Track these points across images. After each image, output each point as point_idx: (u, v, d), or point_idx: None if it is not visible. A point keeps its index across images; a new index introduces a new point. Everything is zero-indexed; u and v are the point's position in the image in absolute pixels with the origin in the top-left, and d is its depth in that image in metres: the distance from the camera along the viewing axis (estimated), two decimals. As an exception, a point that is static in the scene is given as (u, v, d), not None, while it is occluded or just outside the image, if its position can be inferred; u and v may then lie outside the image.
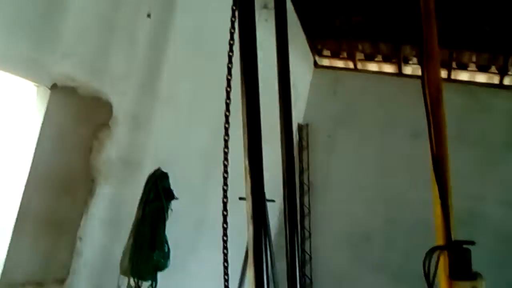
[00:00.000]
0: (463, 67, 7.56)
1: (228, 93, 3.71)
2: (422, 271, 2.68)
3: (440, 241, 2.63)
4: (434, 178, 2.77)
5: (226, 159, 3.90)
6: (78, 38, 3.50)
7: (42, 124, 3.42)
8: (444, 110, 2.83)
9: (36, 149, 3.41)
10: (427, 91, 2.80)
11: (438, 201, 2.68)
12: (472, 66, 7.53)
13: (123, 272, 4.36)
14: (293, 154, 4.43)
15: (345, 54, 8.36)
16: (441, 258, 2.55)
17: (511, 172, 7.16)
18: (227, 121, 3.83)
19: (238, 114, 3.15)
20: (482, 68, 7.44)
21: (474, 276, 2.45)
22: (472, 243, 2.48)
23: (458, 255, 2.51)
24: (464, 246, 2.52)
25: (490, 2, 6.14)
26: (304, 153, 8.36)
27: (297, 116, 8.20)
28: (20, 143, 3.49)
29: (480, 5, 6.25)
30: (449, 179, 2.85)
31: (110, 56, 3.84)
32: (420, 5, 2.98)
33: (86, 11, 3.52)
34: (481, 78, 7.63)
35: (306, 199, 8.23)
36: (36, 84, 3.41)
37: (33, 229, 3.61)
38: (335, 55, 8.48)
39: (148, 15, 4.16)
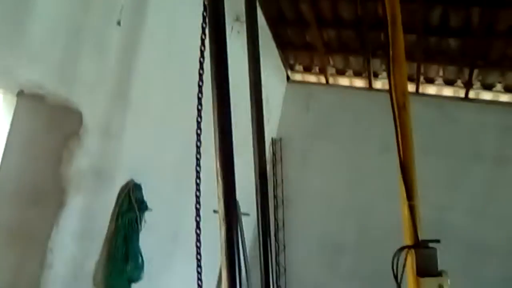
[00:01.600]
0: (431, 81, 7.78)
1: (199, 99, 3.75)
2: (392, 276, 2.74)
3: (408, 241, 2.70)
4: (401, 180, 2.85)
5: (198, 165, 3.92)
6: (46, 43, 3.41)
7: (9, 132, 3.36)
8: (409, 113, 2.92)
9: (2, 158, 3.35)
10: (394, 97, 2.90)
11: (405, 202, 2.76)
12: (439, 80, 7.76)
13: (96, 285, 4.30)
14: (265, 169, 4.49)
15: (317, 69, 8.51)
16: (409, 257, 2.62)
17: (477, 182, 7.38)
18: (199, 127, 3.87)
19: (210, 126, 3.18)
20: (449, 82, 7.67)
21: (440, 274, 2.53)
22: (437, 241, 2.56)
23: (425, 253, 2.58)
24: (430, 245, 2.60)
25: (456, 16, 6.34)
26: (278, 167, 8.43)
27: (271, 131, 8.27)
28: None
29: (446, 19, 6.46)
30: (415, 181, 2.94)
31: (80, 64, 3.79)
32: (386, 13, 3.08)
33: (55, 16, 3.43)
34: (448, 91, 7.86)
35: (280, 212, 8.27)
36: (2, 90, 3.35)
37: (0, 241, 3.54)
38: (307, 69, 8.63)
39: (118, 23, 4.15)
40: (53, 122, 3.63)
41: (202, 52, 3.79)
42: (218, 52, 3.10)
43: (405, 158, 2.86)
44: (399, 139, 2.87)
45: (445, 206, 7.22)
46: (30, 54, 3.30)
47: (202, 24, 3.69)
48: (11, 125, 3.38)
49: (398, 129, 2.87)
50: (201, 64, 3.81)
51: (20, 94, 3.31)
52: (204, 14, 3.43)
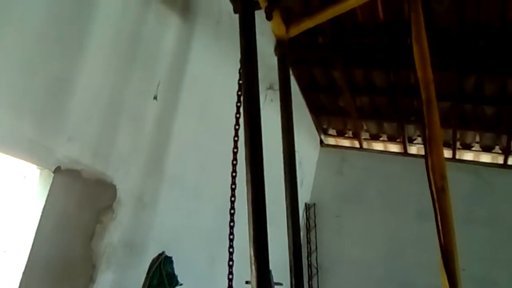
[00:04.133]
0: (468, 147, 7.60)
1: (234, 166, 3.76)
2: None
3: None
4: (442, 266, 2.71)
5: (231, 233, 3.87)
6: (84, 120, 3.51)
7: (44, 208, 3.39)
8: (449, 197, 2.81)
9: (36, 234, 3.37)
10: (432, 180, 2.80)
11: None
12: (476, 146, 7.58)
13: None
14: (299, 236, 4.41)
15: (350, 133, 8.47)
16: None
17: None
18: (233, 195, 3.86)
19: (243, 193, 3.16)
20: (486, 148, 7.47)
21: None
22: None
23: None
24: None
25: (490, 84, 6.26)
26: (312, 233, 8.25)
27: (304, 196, 8.17)
28: (20, 227, 3.47)
29: (481, 87, 6.38)
30: (458, 268, 2.79)
31: (116, 138, 3.87)
32: (420, 92, 3.04)
33: (93, 93, 3.56)
34: (485, 157, 7.65)
35: (314, 281, 8.01)
36: (40, 167, 3.42)
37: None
38: (340, 134, 8.60)
39: (155, 97, 4.26)
40: (87, 196, 3.65)
41: (237, 119, 3.87)
42: (252, 120, 3.15)
43: (446, 243, 2.72)
44: (439, 224, 2.74)
45: (487, 280, 6.84)
46: (68, 132, 3.38)
47: (237, 92, 3.80)
48: (46, 200, 3.41)
49: (438, 214, 2.74)
50: (236, 131, 3.87)
51: (57, 170, 3.35)
52: (239, 92, 3.53)
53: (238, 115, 3.87)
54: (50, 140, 3.27)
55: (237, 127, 3.91)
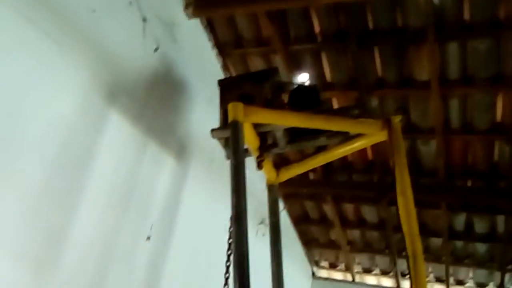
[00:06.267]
0: (461, 283, 7.52)
1: None
2: None
3: None
4: None
5: None
6: (79, 264, 3.51)
7: None
8: None
9: None
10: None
11: None
12: (470, 282, 7.50)
13: None
14: None
15: (343, 266, 8.40)
16: None
17: None
18: None
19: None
20: (480, 284, 7.39)
21: None
22: None
23: None
24: None
25: (481, 222, 6.38)
26: None
27: (296, 331, 7.87)
28: None
29: (471, 225, 6.49)
30: None
31: (108, 280, 3.83)
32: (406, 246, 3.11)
33: (88, 240, 3.57)
34: (480, 295, 7.55)
35: None
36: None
37: None
38: (333, 266, 8.53)
39: (148, 238, 4.30)
40: None
41: (228, 256, 3.88)
42: (240, 255, 3.13)
43: None
44: None
45: None
46: (62, 277, 3.37)
47: (229, 228, 3.86)
48: None
49: None
50: (227, 268, 3.88)
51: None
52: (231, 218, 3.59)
53: (229, 252, 3.91)
54: (44, 286, 3.26)
55: (228, 263, 3.94)
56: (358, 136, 3.83)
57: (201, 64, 5.27)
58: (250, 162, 3.76)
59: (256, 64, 5.37)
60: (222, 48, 5.33)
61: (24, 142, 3.09)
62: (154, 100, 4.41)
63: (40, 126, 3.20)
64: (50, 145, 3.27)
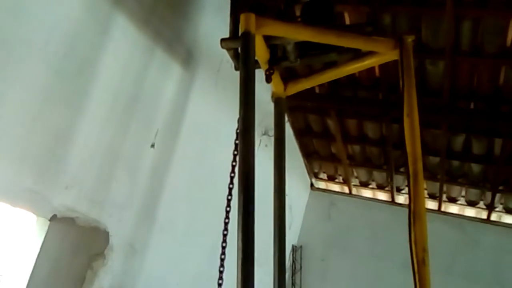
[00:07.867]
0: (453, 200, 7.79)
1: (227, 212, 3.87)
2: None
3: None
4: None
5: (221, 278, 3.97)
6: (82, 169, 3.59)
7: (38, 255, 3.45)
8: (429, 270, 2.95)
9: (29, 279, 3.40)
10: (414, 252, 2.95)
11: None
12: (462, 200, 7.77)
13: None
14: (285, 278, 4.48)
15: (341, 179, 8.64)
16: None
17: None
18: (224, 240, 3.95)
19: (233, 239, 3.25)
20: (471, 203, 7.67)
21: None
22: None
23: None
24: None
25: (478, 144, 6.48)
26: (297, 276, 8.31)
27: (292, 238, 8.27)
28: (14, 273, 3.50)
29: (469, 146, 6.60)
30: None
31: (112, 186, 3.96)
32: (408, 165, 3.19)
33: (93, 143, 3.65)
34: (470, 212, 7.84)
35: (296, 323, 8.06)
36: (36, 215, 3.47)
37: None
38: (331, 178, 8.76)
39: (152, 145, 4.39)
40: (80, 243, 3.71)
41: (233, 167, 3.99)
42: (246, 168, 3.23)
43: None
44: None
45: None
46: (66, 181, 3.48)
47: (235, 141, 3.94)
48: (41, 248, 3.46)
49: (417, 286, 2.89)
50: (232, 178, 4.00)
51: (53, 218, 3.42)
52: (238, 131, 3.65)
53: (234, 163, 4.00)
54: (48, 189, 3.36)
55: (232, 174, 4.03)
56: (368, 54, 3.79)
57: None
58: (257, 74, 3.75)
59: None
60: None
61: (28, 45, 3.06)
62: (162, 5, 4.31)
63: (44, 29, 3.15)
64: (54, 48, 3.24)
